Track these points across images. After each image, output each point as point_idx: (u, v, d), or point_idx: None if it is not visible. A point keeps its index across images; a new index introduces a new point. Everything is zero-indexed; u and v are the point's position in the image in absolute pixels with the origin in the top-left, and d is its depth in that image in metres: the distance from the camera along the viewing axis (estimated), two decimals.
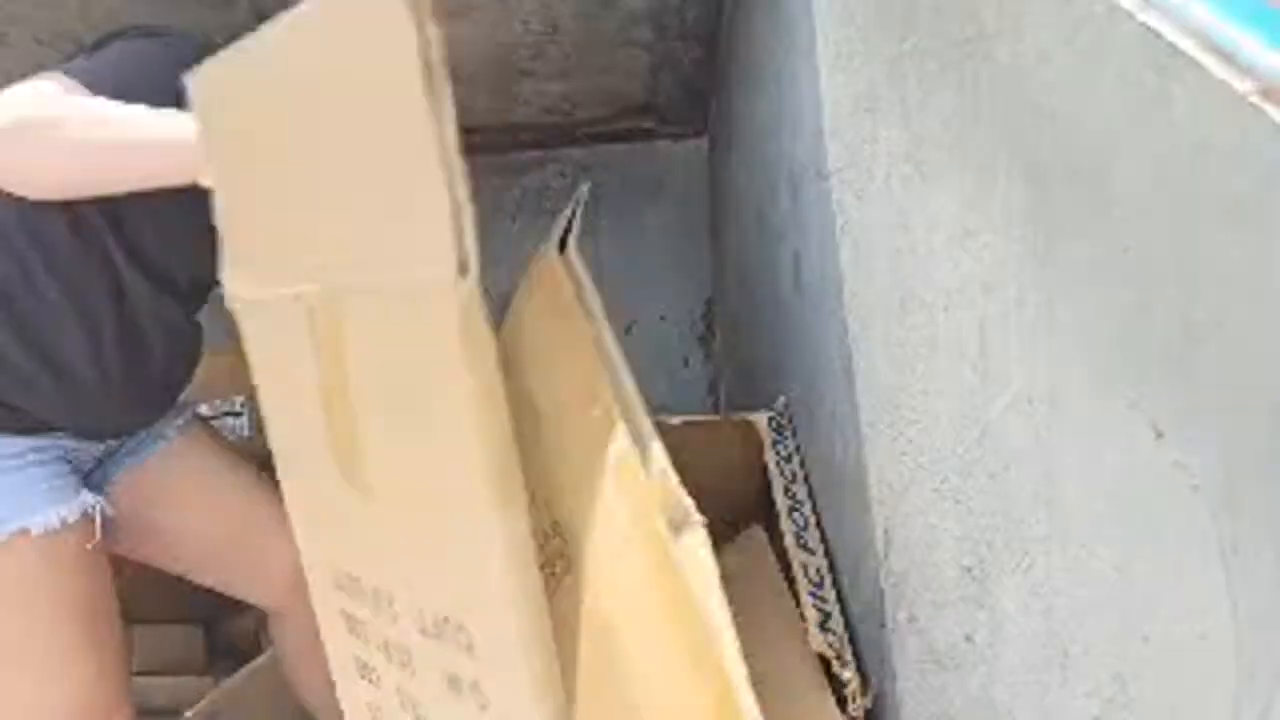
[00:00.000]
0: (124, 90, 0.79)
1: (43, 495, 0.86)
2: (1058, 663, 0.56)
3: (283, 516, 0.82)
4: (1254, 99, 0.35)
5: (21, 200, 0.80)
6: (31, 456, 0.87)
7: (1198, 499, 0.42)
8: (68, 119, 0.75)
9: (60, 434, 0.91)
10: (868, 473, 0.91)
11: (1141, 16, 0.41)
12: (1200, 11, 0.39)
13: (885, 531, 0.88)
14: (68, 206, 0.83)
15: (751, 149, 1.40)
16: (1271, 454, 0.37)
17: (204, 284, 0.97)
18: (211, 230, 0.69)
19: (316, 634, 0.89)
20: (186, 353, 0.99)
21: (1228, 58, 0.37)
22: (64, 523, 0.86)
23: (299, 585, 0.89)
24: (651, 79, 1.69)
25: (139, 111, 0.77)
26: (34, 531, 0.85)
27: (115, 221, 0.87)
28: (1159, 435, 0.44)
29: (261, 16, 0.91)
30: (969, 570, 0.68)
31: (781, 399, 1.23)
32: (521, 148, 1.94)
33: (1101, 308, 0.48)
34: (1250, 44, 0.37)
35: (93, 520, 0.88)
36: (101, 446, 0.97)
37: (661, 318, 2.07)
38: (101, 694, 0.89)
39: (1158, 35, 0.40)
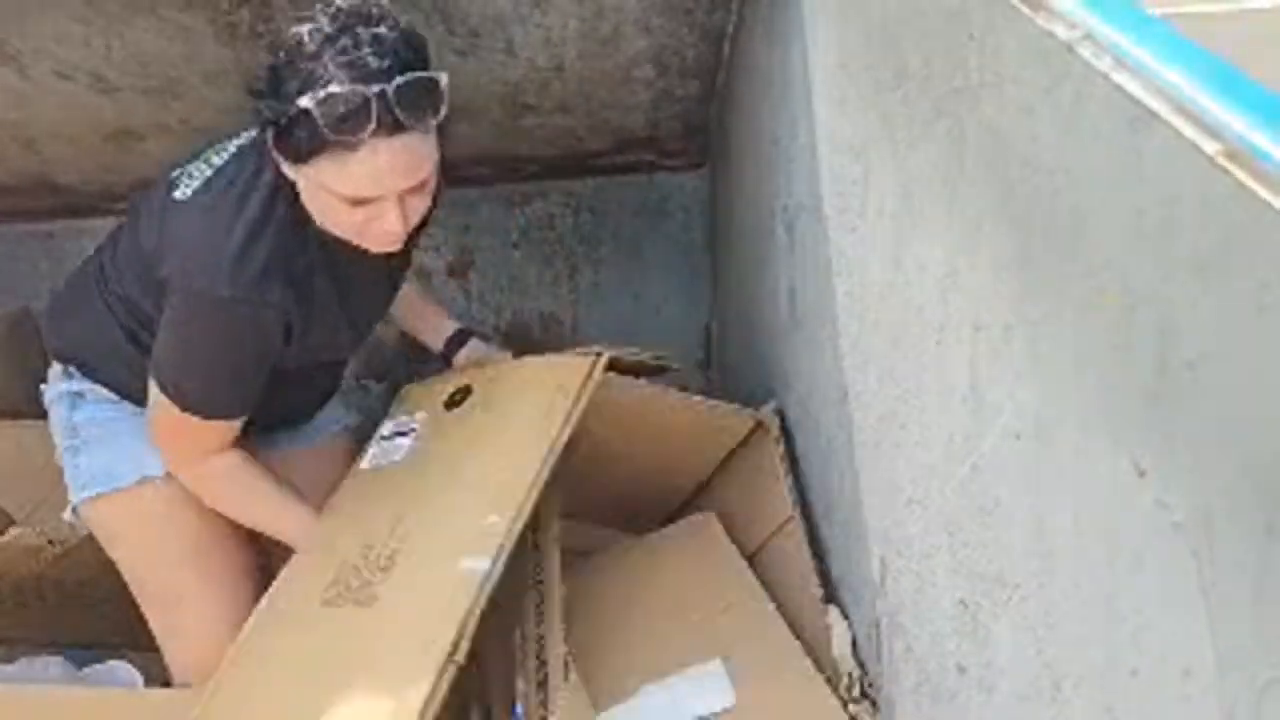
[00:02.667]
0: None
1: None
2: (1049, 695, 0.57)
3: None
4: (1221, 160, 0.37)
5: None
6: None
7: (1179, 536, 0.44)
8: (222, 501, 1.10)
9: None
10: (863, 504, 0.92)
11: (1116, 77, 0.44)
12: (1172, 75, 0.42)
13: (882, 562, 0.89)
14: None
15: (749, 184, 1.43)
16: (1245, 492, 0.39)
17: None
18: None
19: None
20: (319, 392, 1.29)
21: (1196, 119, 0.39)
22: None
23: None
24: (653, 113, 1.72)
25: (268, 510, 1.11)
26: (157, 477, 1.09)
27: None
28: (1141, 473, 0.46)
29: (276, 49, 0.95)
30: (963, 603, 0.70)
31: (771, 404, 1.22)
32: (525, 179, 1.97)
33: (1084, 349, 0.50)
34: (1218, 108, 0.39)
35: None
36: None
37: (660, 344, 2.08)
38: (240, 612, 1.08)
39: (1131, 96, 0.42)
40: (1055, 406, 0.54)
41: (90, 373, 1.12)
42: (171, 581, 1.12)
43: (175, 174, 1.03)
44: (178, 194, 0.99)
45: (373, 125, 0.85)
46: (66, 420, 1.12)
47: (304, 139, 0.88)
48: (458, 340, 1.29)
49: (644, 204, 2.00)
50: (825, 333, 0.99)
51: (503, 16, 1.34)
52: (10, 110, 1.37)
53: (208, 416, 1.02)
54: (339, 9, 0.89)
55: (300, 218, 0.98)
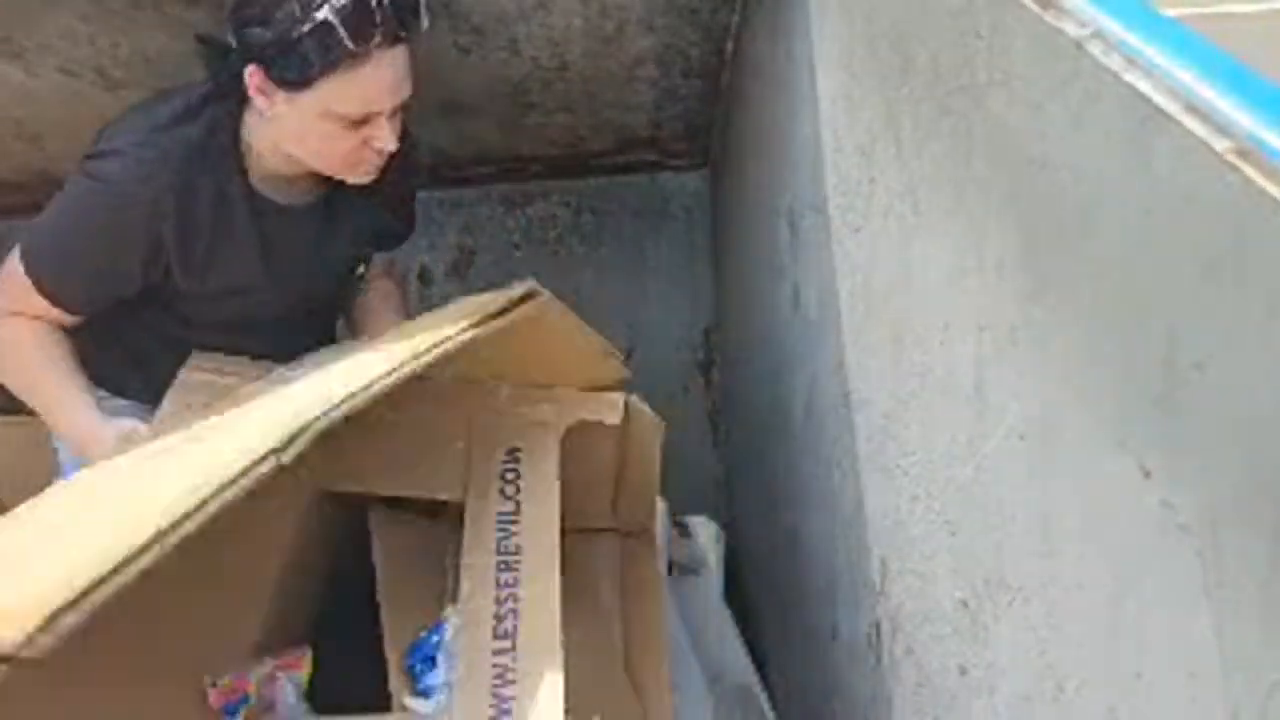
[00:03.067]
0: (61, 264, 1.02)
1: None
2: (1051, 696, 0.57)
3: None
4: (1231, 157, 0.37)
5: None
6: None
7: (1185, 537, 0.43)
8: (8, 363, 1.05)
9: None
10: (865, 503, 0.92)
11: (1127, 76, 0.43)
12: (1182, 73, 0.41)
13: (882, 563, 0.89)
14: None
15: (752, 183, 1.42)
16: (1251, 494, 0.38)
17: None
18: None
19: None
20: None
21: (1206, 117, 0.39)
22: None
23: None
24: (656, 113, 1.72)
25: (52, 394, 1.04)
26: None
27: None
28: (1147, 474, 0.46)
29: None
30: (964, 604, 0.69)
31: None
32: (527, 178, 1.97)
33: (1090, 350, 0.50)
34: (1228, 105, 0.39)
35: None
36: None
37: (662, 345, 2.08)
38: None
39: (1140, 94, 0.42)
40: (1060, 407, 0.53)
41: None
42: None
43: None
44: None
45: (379, 34, 0.88)
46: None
47: (315, 58, 0.88)
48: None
49: (646, 205, 2.00)
50: (829, 333, 0.98)
51: (507, 15, 1.33)
52: (15, 107, 1.37)
53: (37, 280, 1.00)
54: None
55: (234, 161, 1.00)
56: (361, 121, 0.94)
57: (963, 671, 0.71)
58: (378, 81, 0.91)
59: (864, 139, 0.82)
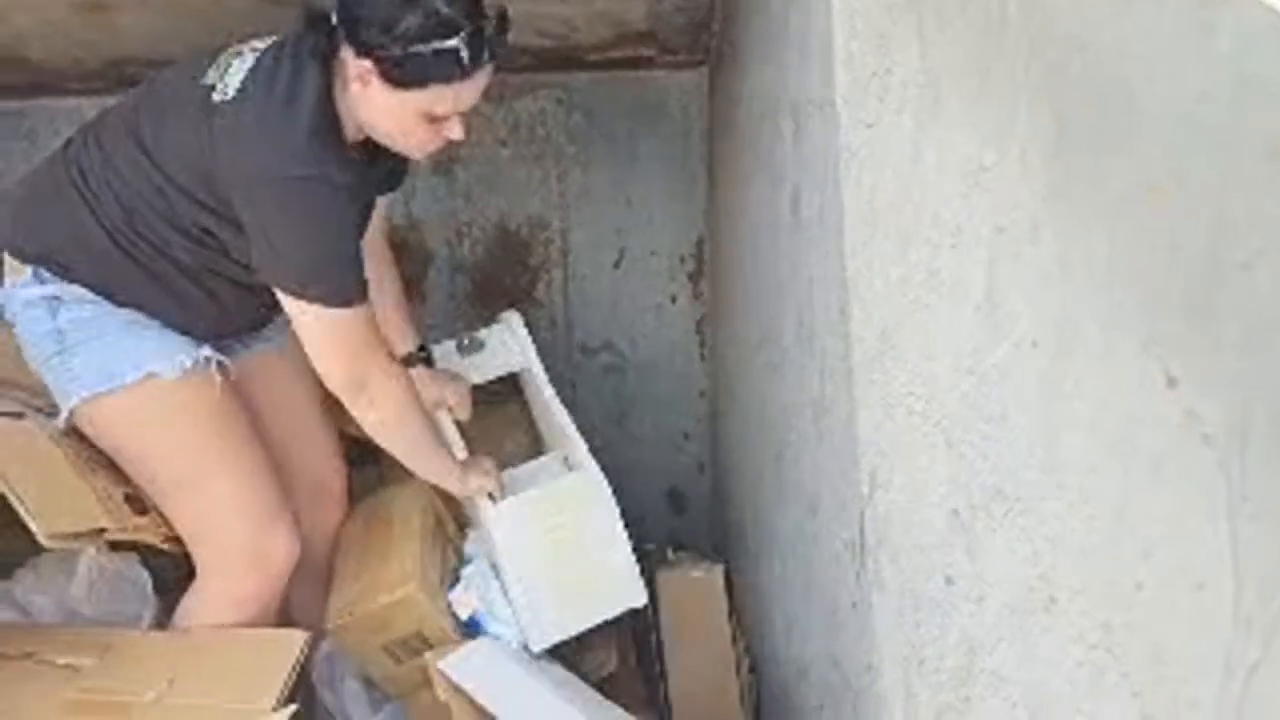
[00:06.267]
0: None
1: (173, 347, 1.13)
2: (1043, 607, 0.56)
3: (337, 446, 1.40)
4: None
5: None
6: (168, 331, 1.14)
7: (1207, 448, 0.41)
8: (402, 431, 1.18)
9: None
10: (857, 414, 0.90)
11: None
12: None
13: (871, 474, 0.88)
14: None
15: (753, 78, 1.35)
16: None
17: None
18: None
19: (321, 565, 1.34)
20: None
21: None
22: (185, 370, 1.12)
23: (322, 500, 1.37)
24: (654, 5, 1.63)
25: (433, 453, 1.25)
26: (163, 376, 1.11)
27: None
28: (1172, 382, 0.43)
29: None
30: (956, 513, 0.68)
31: None
32: (516, 70, 1.87)
33: (1121, 247, 0.47)
34: None
35: (210, 368, 1.15)
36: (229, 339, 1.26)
37: (652, 252, 2.03)
38: (266, 494, 1.18)
39: None
40: (1080, 311, 0.50)
41: (65, 273, 1.09)
42: (190, 469, 1.14)
43: (200, 78, 1.06)
44: (216, 97, 1.04)
45: (486, 59, 1.02)
46: (49, 326, 1.10)
47: (433, 71, 1.00)
48: (407, 362, 1.36)
49: (640, 103, 1.92)
50: (829, 238, 0.95)
51: None
52: None
53: (350, 301, 1.06)
54: None
55: (334, 124, 1.07)
56: (442, 119, 1.06)
57: (949, 581, 0.70)
58: (473, 92, 1.05)
59: (880, 26, 0.76)
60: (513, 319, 1.56)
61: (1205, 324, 0.41)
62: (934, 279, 0.69)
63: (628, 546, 1.32)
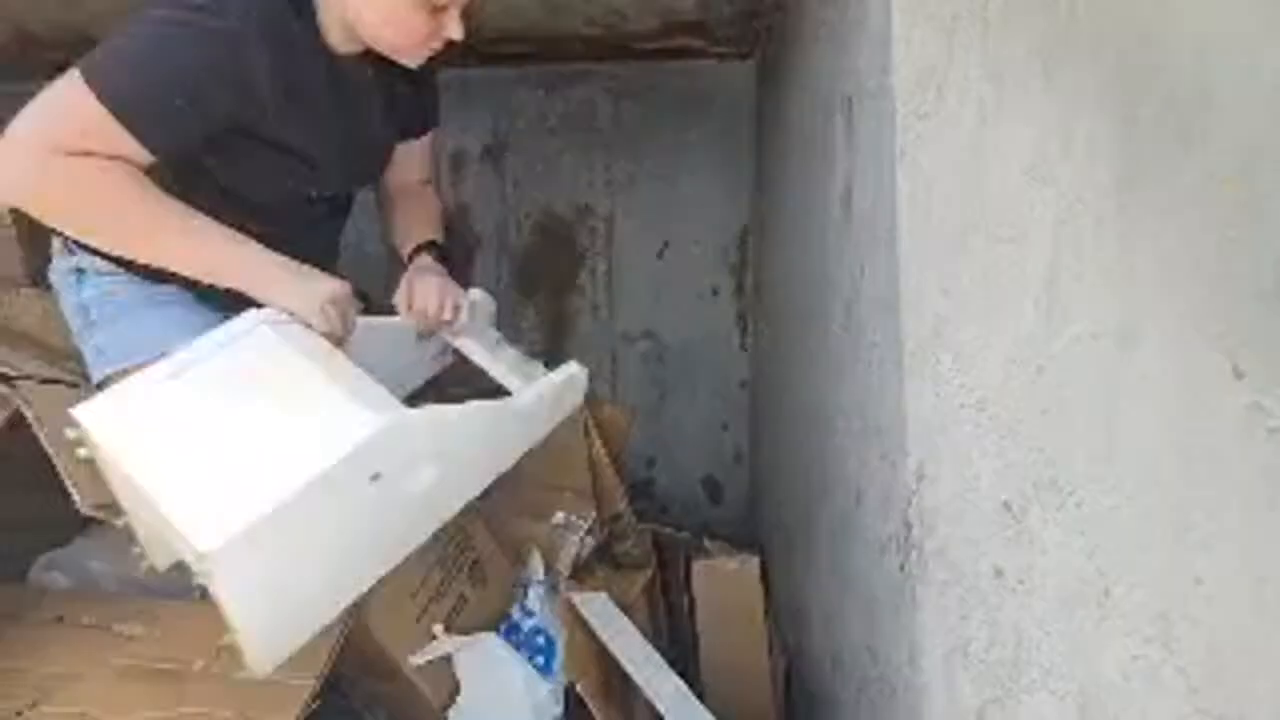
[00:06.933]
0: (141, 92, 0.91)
1: (189, 322, 1.05)
2: (1096, 600, 0.56)
3: None
4: None
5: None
6: (185, 304, 1.09)
7: (1273, 441, 0.41)
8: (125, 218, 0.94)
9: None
10: (905, 405, 0.90)
11: None
12: None
13: (919, 466, 0.88)
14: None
15: (805, 72, 1.35)
16: None
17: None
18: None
19: None
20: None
21: None
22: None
23: None
24: None
25: (176, 227, 0.96)
26: None
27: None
28: (1239, 375, 0.43)
29: None
30: (1007, 506, 0.68)
31: None
32: (566, 59, 1.89)
33: (1190, 241, 0.46)
34: None
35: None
36: None
37: (695, 242, 2.04)
38: None
39: None
40: (1144, 304, 0.50)
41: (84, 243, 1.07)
42: None
43: None
44: None
45: None
46: (75, 301, 1.11)
47: None
48: (419, 249, 1.23)
49: (688, 93, 1.92)
50: (882, 232, 0.94)
51: None
52: None
53: (115, 105, 0.89)
54: None
55: (314, 24, 1.00)
56: (440, 9, 0.98)
57: (998, 573, 0.70)
58: None
59: (942, 15, 0.76)
60: (579, 376, 1.29)
61: (1274, 316, 0.41)
62: (991, 271, 0.69)
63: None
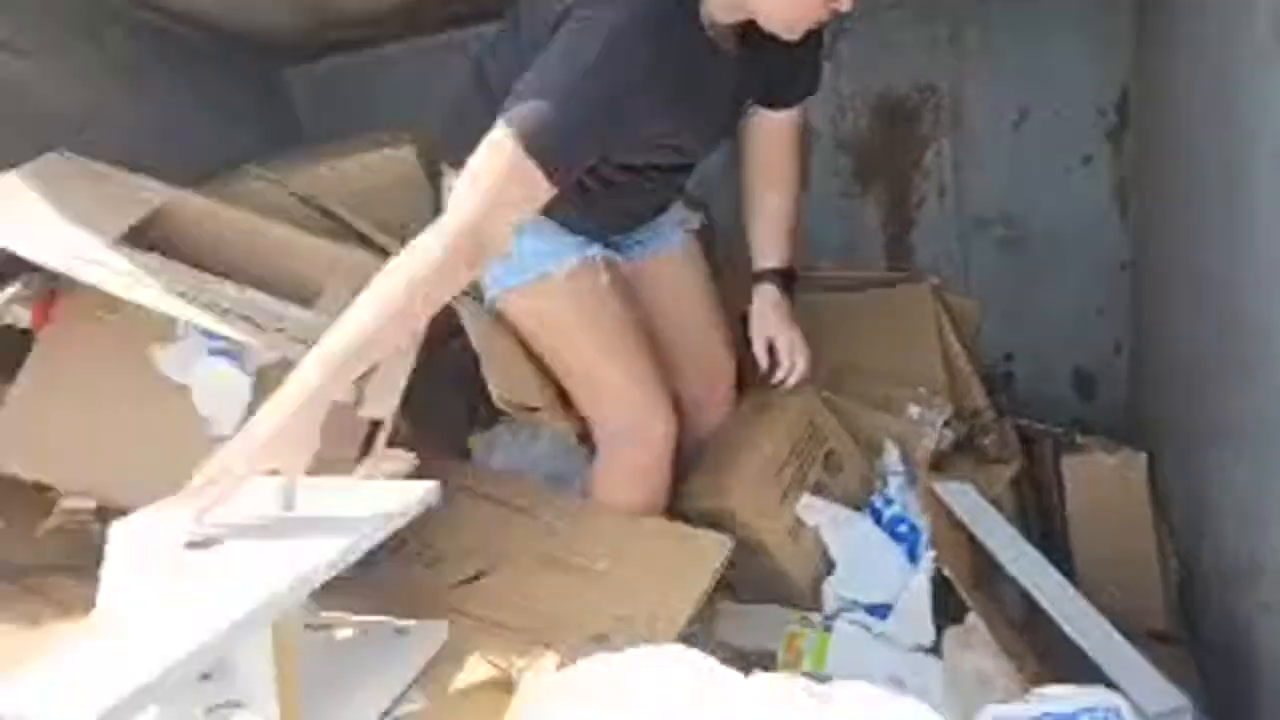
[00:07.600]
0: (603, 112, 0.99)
1: (566, 247, 1.22)
2: None
3: (728, 338, 1.41)
4: None
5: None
6: (564, 233, 1.22)
7: None
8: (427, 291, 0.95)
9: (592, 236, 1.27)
10: None
11: None
12: None
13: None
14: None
15: None
16: None
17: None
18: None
19: (698, 446, 1.37)
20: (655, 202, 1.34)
21: None
22: (572, 268, 1.21)
23: (711, 393, 1.41)
24: None
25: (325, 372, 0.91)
26: (554, 275, 1.20)
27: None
28: None
29: None
30: None
31: None
32: None
33: None
34: None
35: (596, 264, 1.23)
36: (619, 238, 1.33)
37: (1058, 110, 1.82)
38: (646, 383, 1.24)
39: None
40: None
41: None
42: (575, 360, 1.25)
43: None
44: None
45: None
46: None
47: None
48: (766, 278, 1.33)
49: None
50: None
51: None
52: None
53: (541, 155, 0.94)
54: None
55: (694, 6, 1.04)
56: None
57: None
58: None
59: None
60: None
61: None
62: None
63: None
